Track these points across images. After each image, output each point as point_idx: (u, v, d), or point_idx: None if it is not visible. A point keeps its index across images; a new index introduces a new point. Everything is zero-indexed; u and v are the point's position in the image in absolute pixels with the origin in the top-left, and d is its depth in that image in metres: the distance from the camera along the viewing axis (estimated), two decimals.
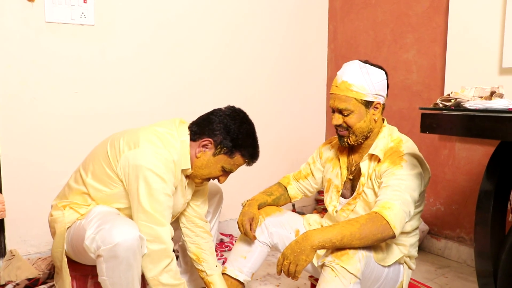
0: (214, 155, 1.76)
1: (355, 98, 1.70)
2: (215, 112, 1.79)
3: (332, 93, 1.76)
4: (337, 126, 1.78)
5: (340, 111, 1.74)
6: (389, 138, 1.80)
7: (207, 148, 1.76)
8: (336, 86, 1.74)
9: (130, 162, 1.65)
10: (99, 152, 1.76)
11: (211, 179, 1.85)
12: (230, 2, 2.99)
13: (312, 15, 3.43)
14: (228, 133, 1.74)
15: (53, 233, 1.78)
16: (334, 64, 3.47)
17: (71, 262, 1.77)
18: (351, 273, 1.52)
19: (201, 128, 1.77)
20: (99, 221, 1.60)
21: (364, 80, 1.70)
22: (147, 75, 2.72)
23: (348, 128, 1.75)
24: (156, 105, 2.75)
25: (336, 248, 1.54)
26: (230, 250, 2.81)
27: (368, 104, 1.72)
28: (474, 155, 2.63)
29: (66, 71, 2.45)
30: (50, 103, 2.42)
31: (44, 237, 2.42)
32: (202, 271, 1.93)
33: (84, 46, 2.48)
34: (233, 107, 1.82)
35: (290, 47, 3.31)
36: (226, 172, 1.82)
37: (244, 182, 3.02)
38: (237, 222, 1.88)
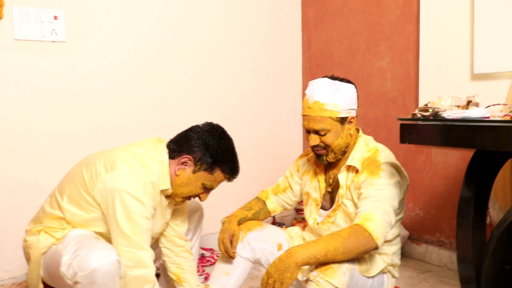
0: (193, 172, 1.73)
1: (330, 117, 1.70)
2: (193, 129, 1.77)
3: (306, 115, 1.74)
4: (314, 146, 1.77)
5: (316, 132, 1.73)
6: (366, 148, 1.80)
7: (186, 165, 1.73)
8: (309, 108, 1.72)
9: (107, 185, 1.61)
10: (74, 174, 1.71)
11: (192, 197, 1.82)
12: (203, 16, 2.97)
13: (285, 24, 3.43)
14: (207, 149, 1.71)
15: (28, 259, 1.72)
16: (309, 73, 3.48)
17: None
18: (336, 287, 1.51)
19: (179, 146, 1.74)
20: (75, 246, 1.55)
21: (336, 98, 1.70)
22: (121, 91, 2.67)
23: (326, 147, 1.75)
24: (131, 121, 2.71)
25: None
26: (211, 264, 2.77)
27: (343, 120, 1.73)
28: (451, 159, 2.66)
29: (37, 89, 2.39)
30: (22, 122, 2.35)
31: (18, 261, 2.33)
32: None
33: (56, 63, 2.43)
34: (211, 123, 1.80)
35: (264, 58, 3.31)
36: (207, 189, 1.79)
37: (223, 196, 2.99)
38: (218, 240, 1.85)
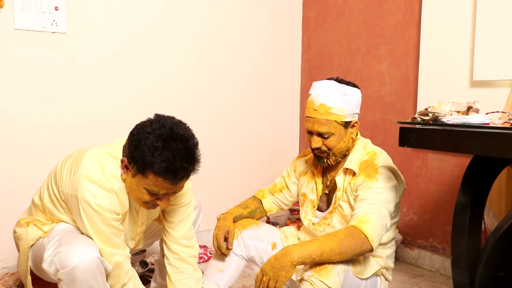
0: (133, 176, 1.53)
1: (335, 121, 1.70)
2: (136, 125, 1.56)
3: (311, 117, 1.73)
4: (315, 149, 1.76)
5: (320, 134, 1.72)
6: (364, 151, 1.80)
7: (127, 168, 1.55)
8: (315, 110, 1.71)
9: (69, 191, 1.55)
10: (52, 173, 1.67)
11: (152, 204, 1.61)
12: (203, 12, 2.96)
13: (285, 25, 3.43)
14: (137, 148, 1.48)
15: (18, 250, 1.72)
16: (308, 74, 3.48)
17: (39, 279, 1.71)
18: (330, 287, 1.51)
19: (125, 146, 1.57)
20: (57, 242, 1.53)
21: (342, 102, 1.69)
22: (120, 84, 2.66)
23: (328, 150, 1.74)
24: (129, 115, 2.68)
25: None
26: (204, 261, 2.77)
27: (347, 124, 1.73)
28: (446, 165, 2.67)
29: (36, 80, 2.38)
30: (19, 112, 2.35)
31: (11, 251, 2.32)
32: None
33: (55, 54, 2.42)
34: (155, 114, 1.56)
35: (263, 57, 3.31)
36: (154, 195, 1.55)
37: (218, 195, 2.99)
38: (213, 236, 1.85)
